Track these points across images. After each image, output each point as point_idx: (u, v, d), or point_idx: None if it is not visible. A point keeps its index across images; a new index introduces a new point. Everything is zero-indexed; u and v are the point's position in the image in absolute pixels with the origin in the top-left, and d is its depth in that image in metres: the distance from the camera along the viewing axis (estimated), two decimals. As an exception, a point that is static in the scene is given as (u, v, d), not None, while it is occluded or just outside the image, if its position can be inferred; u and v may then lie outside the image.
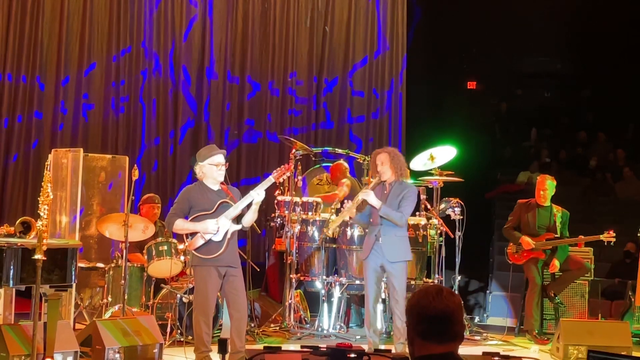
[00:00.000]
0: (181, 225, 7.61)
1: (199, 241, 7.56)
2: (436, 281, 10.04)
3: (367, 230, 8.58)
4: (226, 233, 7.56)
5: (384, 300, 9.59)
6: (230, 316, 7.70)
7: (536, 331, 9.86)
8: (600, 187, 15.95)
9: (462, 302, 3.57)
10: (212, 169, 7.62)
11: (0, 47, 11.72)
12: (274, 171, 7.86)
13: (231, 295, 7.64)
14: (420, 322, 3.49)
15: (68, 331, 7.42)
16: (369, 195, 8.23)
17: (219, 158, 7.67)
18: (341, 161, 11.05)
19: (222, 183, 7.74)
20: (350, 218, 8.68)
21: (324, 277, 9.87)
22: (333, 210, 10.06)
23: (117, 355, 7.50)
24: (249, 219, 7.71)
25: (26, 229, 7.28)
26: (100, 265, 9.59)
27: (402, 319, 8.28)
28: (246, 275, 9.26)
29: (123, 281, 8.67)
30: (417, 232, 9.83)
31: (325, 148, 12.04)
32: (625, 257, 12.32)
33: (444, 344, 3.48)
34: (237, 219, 7.66)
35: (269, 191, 8.01)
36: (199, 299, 7.60)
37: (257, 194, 7.59)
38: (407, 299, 3.60)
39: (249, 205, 7.64)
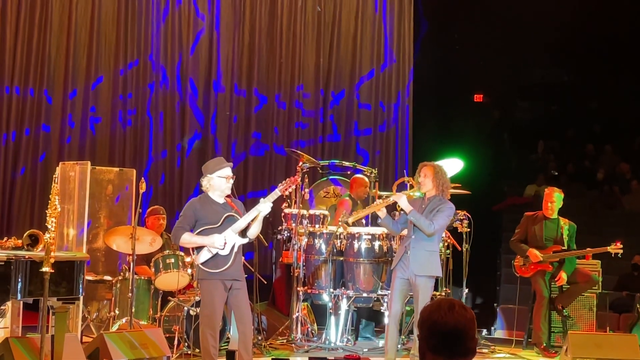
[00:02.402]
0: (188, 239, 7.60)
1: (205, 255, 7.55)
2: (443, 294, 10.03)
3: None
4: (233, 247, 7.56)
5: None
6: (237, 329, 7.70)
7: (544, 344, 9.83)
8: (607, 199, 15.93)
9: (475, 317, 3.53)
10: (221, 181, 7.62)
11: (8, 60, 11.75)
12: (280, 184, 7.86)
13: (236, 308, 7.64)
14: (432, 337, 3.46)
15: (75, 344, 7.42)
16: (400, 198, 8.22)
17: (228, 171, 7.68)
18: (361, 175, 10.95)
19: (226, 196, 7.74)
20: (379, 218, 8.62)
21: (331, 289, 9.86)
22: (341, 223, 10.05)
23: (125, 368, 7.50)
24: (254, 230, 7.72)
25: (34, 241, 7.29)
26: (108, 278, 9.59)
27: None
28: (253, 288, 9.29)
29: (130, 294, 8.66)
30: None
31: (332, 161, 12.06)
32: (633, 269, 12.30)
33: (454, 359, 3.46)
34: (243, 232, 7.66)
35: (276, 204, 8.01)
36: (206, 312, 7.59)
37: (264, 207, 7.61)
38: (420, 312, 3.57)
39: (254, 218, 7.65)
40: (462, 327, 3.45)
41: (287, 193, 8.38)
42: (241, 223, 7.59)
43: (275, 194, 7.72)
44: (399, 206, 8.49)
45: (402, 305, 8.58)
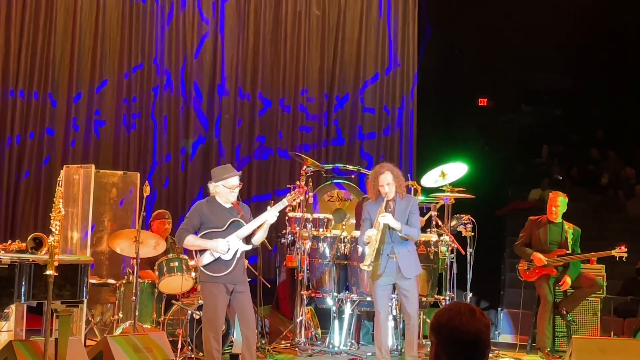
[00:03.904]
0: (192, 241, 7.60)
1: (208, 258, 7.55)
2: (447, 298, 10.01)
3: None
4: (236, 252, 7.57)
5: (394, 317, 9.58)
6: (241, 332, 7.70)
7: (548, 349, 9.81)
8: (611, 204, 15.91)
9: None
10: (225, 190, 7.62)
11: (13, 64, 11.76)
12: (288, 194, 7.89)
13: (240, 311, 7.65)
14: (451, 344, 3.33)
15: (79, 347, 7.42)
16: (387, 218, 8.18)
17: (234, 181, 7.64)
18: None
19: None
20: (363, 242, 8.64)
21: (335, 293, 9.85)
22: (344, 227, 10.06)
23: (128, 372, 7.50)
24: (259, 237, 7.74)
25: (38, 244, 7.31)
26: (112, 281, 9.59)
27: (414, 333, 8.27)
28: (257, 291, 9.29)
29: (134, 297, 8.67)
30: (428, 249, 9.81)
31: (337, 165, 12.04)
32: (637, 274, 12.27)
33: None
34: (247, 239, 7.66)
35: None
36: (209, 315, 7.59)
37: (271, 216, 7.62)
38: (434, 315, 3.43)
39: (260, 225, 7.66)
40: (483, 334, 3.33)
41: (294, 203, 8.39)
42: (246, 230, 7.59)
43: (283, 203, 7.75)
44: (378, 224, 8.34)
45: (389, 310, 8.61)
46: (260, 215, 7.68)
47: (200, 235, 7.59)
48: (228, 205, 7.69)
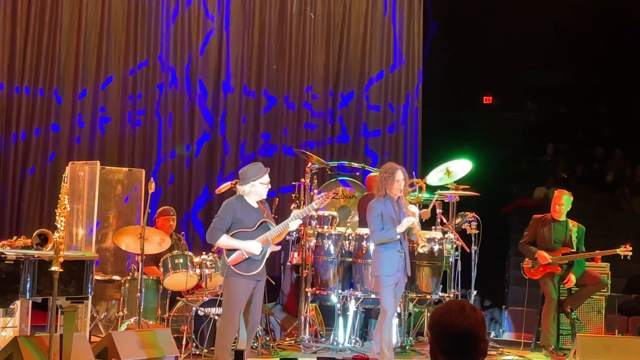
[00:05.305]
0: (226, 241, 7.65)
1: (239, 258, 7.61)
2: (452, 296, 10.01)
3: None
4: (265, 253, 7.68)
5: (398, 314, 9.58)
6: (246, 322, 7.73)
7: (552, 347, 9.81)
8: (616, 202, 15.88)
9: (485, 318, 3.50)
10: (262, 187, 7.75)
11: (18, 60, 11.77)
12: (317, 198, 8.01)
13: (255, 300, 7.73)
14: (443, 340, 3.42)
15: (84, 343, 7.44)
16: (416, 208, 8.27)
17: (267, 177, 7.82)
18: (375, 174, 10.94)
19: None
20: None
21: (340, 291, 9.86)
22: (349, 224, 10.06)
23: (133, 368, 7.52)
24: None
25: (43, 241, 7.31)
26: (116, 277, 9.61)
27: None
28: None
29: (139, 294, 8.68)
30: (433, 246, 9.81)
31: (341, 162, 12.05)
32: (642, 272, 12.27)
33: None
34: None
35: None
36: (233, 310, 7.57)
37: (293, 225, 7.92)
38: (430, 313, 3.52)
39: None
40: (474, 329, 3.41)
41: (322, 207, 8.56)
42: (275, 232, 7.77)
43: (312, 207, 8.00)
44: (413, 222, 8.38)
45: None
46: (287, 219, 7.87)
47: (230, 234, 7.65)
48: (255, 205, 7.78)
